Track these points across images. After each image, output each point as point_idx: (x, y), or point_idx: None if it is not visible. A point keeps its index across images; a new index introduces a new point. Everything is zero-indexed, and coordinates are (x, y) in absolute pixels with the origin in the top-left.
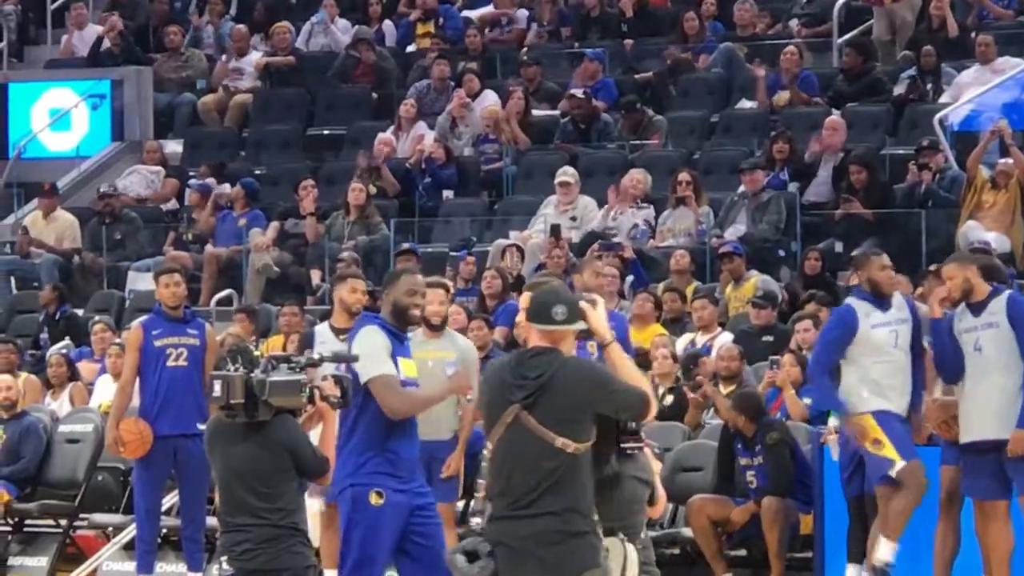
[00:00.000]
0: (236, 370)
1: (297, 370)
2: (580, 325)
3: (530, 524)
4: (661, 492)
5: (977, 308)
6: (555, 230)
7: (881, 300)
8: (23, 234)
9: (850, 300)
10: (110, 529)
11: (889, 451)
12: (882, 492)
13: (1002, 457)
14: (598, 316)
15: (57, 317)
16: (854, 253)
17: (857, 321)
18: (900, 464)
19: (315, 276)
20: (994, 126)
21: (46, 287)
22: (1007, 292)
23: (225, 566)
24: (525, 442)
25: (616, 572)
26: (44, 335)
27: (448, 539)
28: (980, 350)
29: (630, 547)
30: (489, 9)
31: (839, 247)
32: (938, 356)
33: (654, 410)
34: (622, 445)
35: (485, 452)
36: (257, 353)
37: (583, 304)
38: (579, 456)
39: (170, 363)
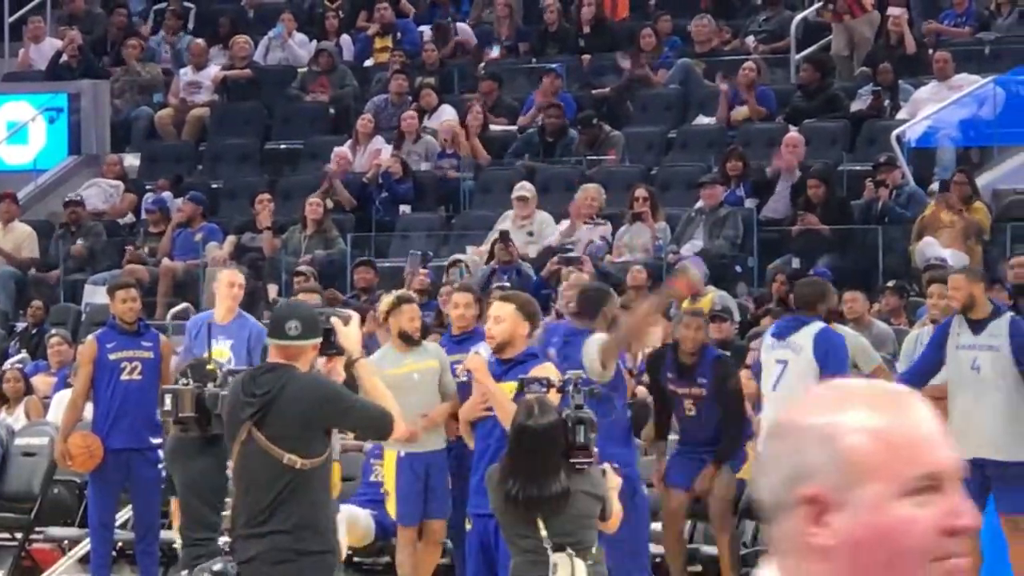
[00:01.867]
0: (187, 384)
1: None
2: (316, 340)
3: (263, 542)
4: (616, 507)
5: (977, 327)
6: (504, 236)
7: None
8: None
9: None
10: (66, 542)
11: None
12: None
13: (987, 475)
14: (347, 332)
15: (34, 332)
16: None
17: None
18: None
19: (272, 290)
20: None
21: (32, 304)
22: (1008, 314)
23: None
24: (256, 459)
25: None
26: (23, 352)
27: (431, 557)
28: (978, 370)
29: (579, 562)
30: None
31: (796, 263)
32: (918, 361)
33: (400, 430)
34: (571, 460)
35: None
36: (211, 367)
37: (334, 319)
38: (309, 472)
39: (124, 376)
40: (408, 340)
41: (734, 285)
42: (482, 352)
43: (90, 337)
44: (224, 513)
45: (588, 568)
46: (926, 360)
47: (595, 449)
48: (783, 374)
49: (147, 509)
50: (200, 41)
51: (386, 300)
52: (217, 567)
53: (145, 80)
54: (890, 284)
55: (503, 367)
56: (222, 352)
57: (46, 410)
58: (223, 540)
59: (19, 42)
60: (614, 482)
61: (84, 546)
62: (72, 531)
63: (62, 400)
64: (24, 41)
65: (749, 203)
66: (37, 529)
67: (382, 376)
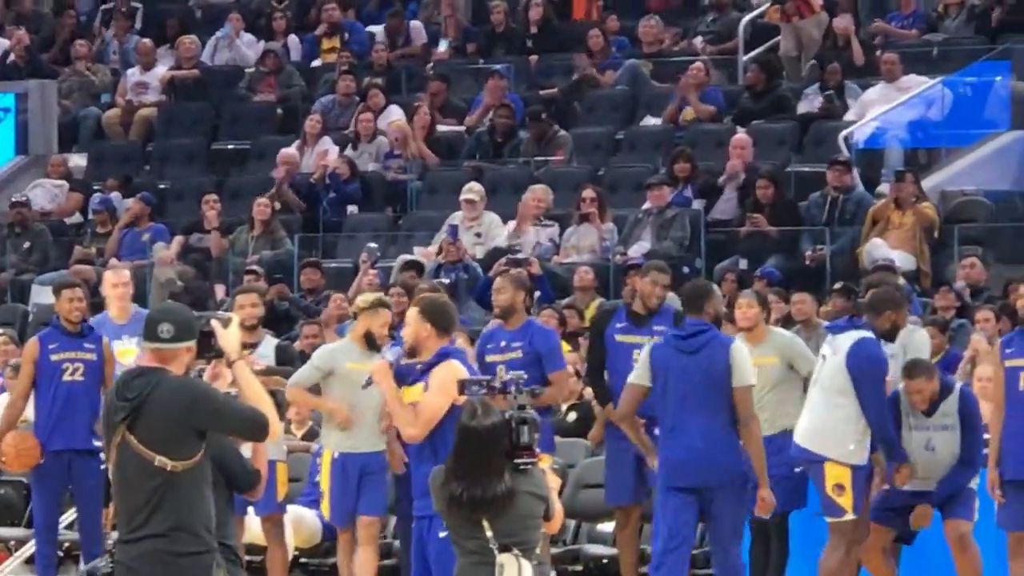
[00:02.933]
0: None
1: None
2: (189, 343)
3: (140, 545)
4: (558, 508)
5: (930, 409)
6: (453, 231)
7: None
8: None
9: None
10: (12, 543)
11: (847, 502)
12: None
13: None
14: (227, 334)
15: None
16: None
17: None
18: (849, 517)
19: (219, 290)
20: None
21: None
22: (958, 388)
23: None
24: (130, 462)
25: None
26: None
27: (368, 557)
28: (933, 450)
29: (524, 563)
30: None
31: (744, 264)
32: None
33: (274, 433)
34: (515, 460)
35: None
36: None
37: (214, 321)
38: (181, 474)
39: (66, 378)
40: (372, 344)
41: (682, 286)
42: (388, 356)
43: (33, 338)
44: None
45: (534, 568)
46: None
47: (538, 449)
48: (820, 369)
49: (90, 511)
50: (147, 41)
51: (364, 298)
52: (88, 567)
53: (93, 80)
54: (837, 286)
55: (419, 370)
56: (130, 351)
57: None
58: (110, 541)
59: None
60: (555, 482)
61: (31, 547)
62: (19, 531)
63: (4, 401)
64: None
65: (697, 204)
66: None
67: (341, 369)
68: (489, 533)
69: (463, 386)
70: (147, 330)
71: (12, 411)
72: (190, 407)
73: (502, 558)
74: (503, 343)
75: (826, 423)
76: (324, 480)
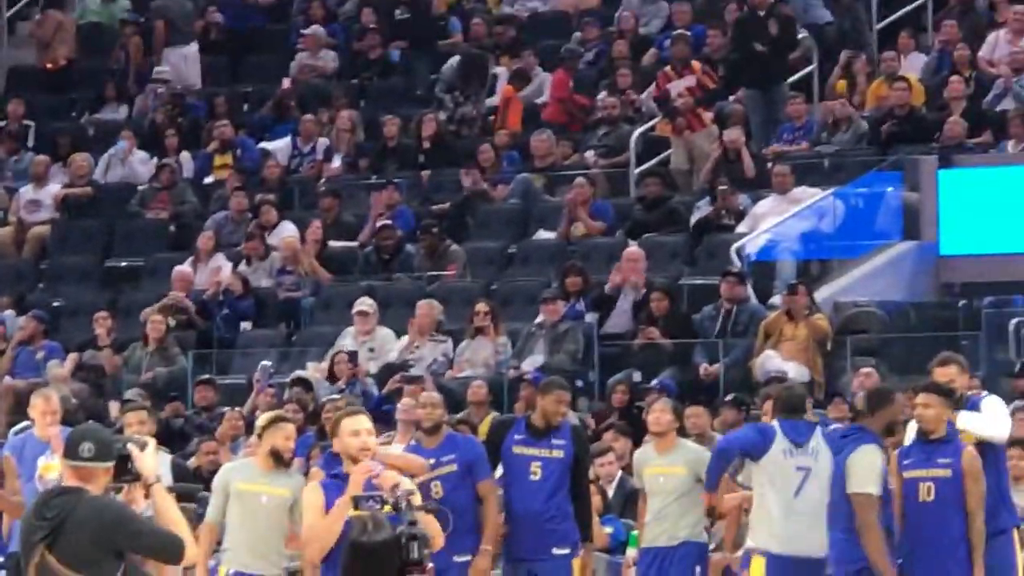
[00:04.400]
0: None
1: None
2: (109, 464)
3: None
4: None
5: None
6: (353, 356)
7: None
8: None
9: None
10: None
11: None
12: None
13: None
14: (144, 457)
15: None
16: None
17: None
18: None
19: (113, 408)
20: None
21: None
22: None
23: None
24: None
25: None
26: None
27: None
28: None
29: None
30: (286, 141)
31: (637, 376)
32: None
33: (191, 556)
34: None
35: None
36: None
37: (130, 445)
38: None
39: None
40: (279, 460)
41: (575, 400)
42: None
43: None
44: None
45: None
46: None
47: (430, 565)
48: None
49: None
50: (42, 158)
51: (264, 417)
52: None
53: None
54: (728, 398)
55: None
56: (54, 466)
57: None
58: None
59: None
60: None
61: None
62: None
63: None
64: None
65: (590, 318)
66: None
67: (232, 488)
68: None
69: (357, 502)
70: (68, 448)
71: None
72: (111, 527)
73: None
74: (431, 460)
75: None
76: None
